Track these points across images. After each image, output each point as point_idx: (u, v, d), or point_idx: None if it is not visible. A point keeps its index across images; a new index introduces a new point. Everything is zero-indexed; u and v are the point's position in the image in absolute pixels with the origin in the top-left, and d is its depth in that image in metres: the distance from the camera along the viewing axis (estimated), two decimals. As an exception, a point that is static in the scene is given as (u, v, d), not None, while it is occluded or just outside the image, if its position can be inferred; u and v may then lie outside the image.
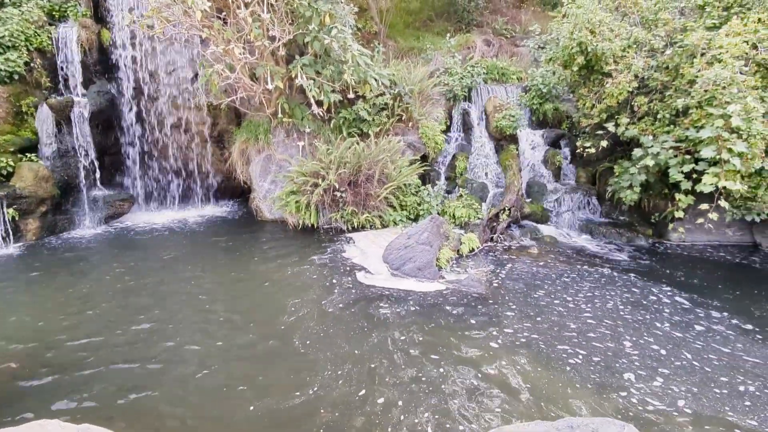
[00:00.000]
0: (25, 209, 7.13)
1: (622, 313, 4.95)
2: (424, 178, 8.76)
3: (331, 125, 8.51)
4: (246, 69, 7.63)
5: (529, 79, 9.37)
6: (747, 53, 5.75)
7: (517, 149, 8.88)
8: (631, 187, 6.76)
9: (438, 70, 9.75)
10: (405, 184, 8.16)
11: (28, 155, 7.50)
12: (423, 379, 3.72)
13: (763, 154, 5.49)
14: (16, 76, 7.47)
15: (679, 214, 6.24)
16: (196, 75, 8.75)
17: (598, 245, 7.22)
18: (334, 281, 5.77)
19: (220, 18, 7.31)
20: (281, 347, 4.22)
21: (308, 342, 4.28)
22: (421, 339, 4.37)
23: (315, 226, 7.90)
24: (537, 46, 10.01)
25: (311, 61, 7.59)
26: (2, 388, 3.59)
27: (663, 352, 4.18)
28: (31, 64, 7.69)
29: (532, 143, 8.88)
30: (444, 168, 9.24)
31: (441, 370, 3.85)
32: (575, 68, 7.36)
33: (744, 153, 5.43)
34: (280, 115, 8.09)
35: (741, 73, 5.62)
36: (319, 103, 7.79)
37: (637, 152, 6.60)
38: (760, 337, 4.44)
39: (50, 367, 3.87)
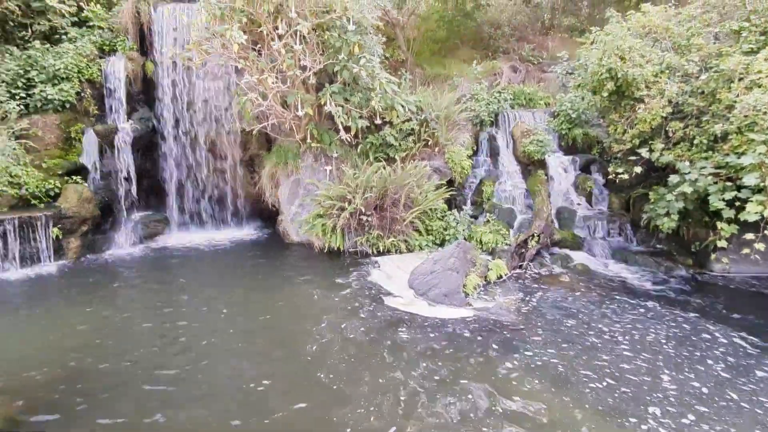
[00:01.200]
0: (68, 228, 7.51)
1: (664, 347, 4.67)
2: (450, 203, 8.71)
3: (358, 150, 8.67)
4: (278, 97, 7.93)
5: (557, 104, 9.31)
6: (789, 78, 5.54)
7: (545, 174, 8.74)
8: (668, 214, 6.48)
9: (464, 96, 9.84)
10: (431, 209, 8.13)
11: (74, 177, 7.95)
12: (451, 410, 3.58)
13: (813, 182, 5.18)
14: (67, 105, 8.03)
15: (722, 243, 5.92)
16: (230, 103, 9.16)
17: (635, 274, 6.90)
18: (359, 306, 5.73)
19: (254, 50, 7.69)
20: (305, 379, 4.11)
21: (332, 375, 4.15)
22: (448, 368, 4.23)
23: (341, 249, 7.94)
24: (565, 72, 9.99)
25: (340, 89, 7.83)
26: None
27: (704, 390, 3.90)
28: (82, 94, 8.27)
29: (561, 168, 8.73)
30: (470, 193, 9.17)
31: (470, 402, 3.70)
32: (605, 94, 7.26)
33: (791, 180, 5.14)
34: (309, 141, 8.31)
35: (784, 97, 5.39)
36: (347, 129, 7.98)
37: (673, 178, 6.37)
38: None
39: (81, 389, 3.96)
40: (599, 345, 4.70)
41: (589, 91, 7.83)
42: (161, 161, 9.31)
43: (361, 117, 8.02)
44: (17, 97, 7.70)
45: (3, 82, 7.68)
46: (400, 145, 8.58)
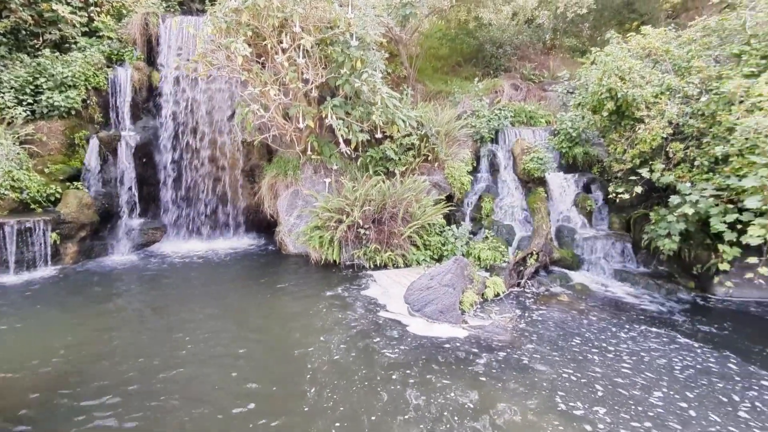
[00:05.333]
0: (66, 234, 7.51)
1: (661, 369, 4.53)
2: (449, 219, 8.66)
3: (358, 163, 8.69)
4: (280, 109, 8.01)
5: (557, 122, 9.33)
6: (790, 101, 5.52)
7: (545, 192, 8.69)
8: (669, 235, 6.41)
9: (465, 112, 9.89)
10: (429, 224, 8.08)
11: (75, 183, 8.00)
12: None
13: (815, 206, 5.11)
14: (73, 112, 8.14)
15: (725, 266, 5.82)
16: (233, 113, 9.26)
17: (635, 296, 6.77)
18: (352, 321, 5.63)
19: (258, 62, 7.80)
20: (295, 399, 3.94)
21: (317, 391, 4.03)
22: (439, 387, 4.12)
23: (337, 262, 7.88)
24: (566, 91, 10.04)
25: (341, 103, 7.89)
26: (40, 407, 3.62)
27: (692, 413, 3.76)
28: (87, 101, 8.39)
29: (561, 187, 8.68)
30: (470, 209, 9.13)
31: (459, 423, 3.58)
32: (605, 113, 7.27)
33: (794, 204, 5.07)
34: (309, 152, 8.34)
35: (784, 121, 5.36)
36: (348, 142, 8.01)
37: (674, 199, 6.31)
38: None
39: (71, 395, 3.88)
40: (599, 371, 4.56)
41: (590, 111, 7.84)
42: (162, 169, 9.36)
43: (361, 130, 8.05)
44: (24, 103, 7.82)
45: (12, 88, 7.81)
46: (399, 159, 8.59)
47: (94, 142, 8.30)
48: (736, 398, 4.08)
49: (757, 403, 3.99)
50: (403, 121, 8.15)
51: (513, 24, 12.22)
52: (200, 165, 9.48)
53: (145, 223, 8.85)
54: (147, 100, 9.28)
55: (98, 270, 7.49)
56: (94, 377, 4.16)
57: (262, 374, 4.34)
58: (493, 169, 9.60)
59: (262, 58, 7.90)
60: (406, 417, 3.67)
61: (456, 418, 3.68)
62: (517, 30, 12.27)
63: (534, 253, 7.37)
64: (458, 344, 5.06)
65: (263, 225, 10.14)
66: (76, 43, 8.72)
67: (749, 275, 5.63)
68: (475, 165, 9.58)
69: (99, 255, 8.09)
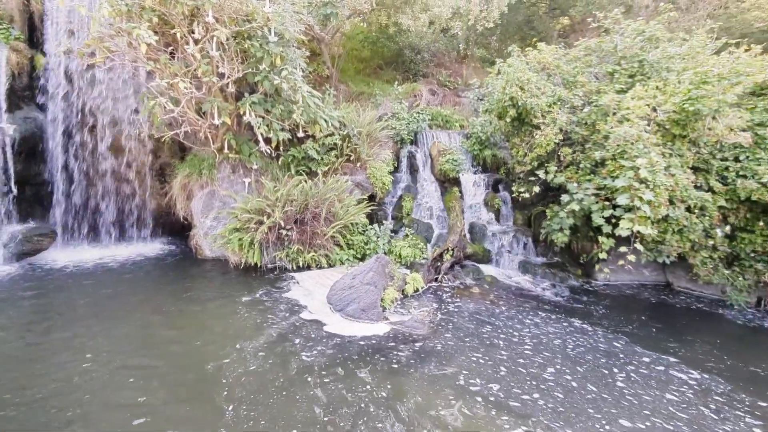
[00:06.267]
0: None
1: (556, 347, 5.18)
2: (372, 218, 8.88)
3: (279, 163, 8.51)
4: (192, 103, 7.53)
5: (470, 126, 10.06)
6: (649, 114, 6.62)
7: (460, 191, 9.33)
8: (561, 229, 7.29)
9: (386, 114, 10.21)
10: (352, 223, 8.21)
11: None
12: (359, 425, 3.60)
13: (668, 203, 6.20)
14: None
15: (603, 255, 6.79)
16: (138, 107, 8.47)
17: (535, 284, 7.60)
18: (273, 326, 5.50)
19: (166, 52, 7.24)
20: (211, 421, 3.69)
21: (233, 402, 3.88)
22: (358, 383, 4.25)
23: (258, 265, 7.64)
24: (476, 97, 10.86)
25: (260, 100, 7.66)
26: None
27: (574, 384, 4.40)
28: (-53, 86, 7.07)
29: (473, 186, 9.39)
30: (391, 208, 9.45)
31: (376, 414, 3.75)
32: (508, 119, 8.04)
33: (652, 201, 6.10)
34: (226, 151, 7.96)
35: (645, 131, 6.43)
36: (268, 141, 7.80)
37: (564, 198, 7.20)
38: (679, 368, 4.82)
39: None
40: (505, 354, 5.05)
41: (496, 117, 8.59)
42: (50, 166, 8.24)
43: (282, 129, 7.90)
44: None
45: None
46: (322, 159, 8.59)
47: (-44, 135, 7.03)
48: (616, 371, 4.76)
49: (633, 375, 4.68)
50: (326, 120, 8.16)
51: (430, 32, 12.87)
52: (98, 162, 8.51)
53: (29, 228, 7.71)
54: (29, 88, 8.09)
55: (-35, 285, 6.37)
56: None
57: (172, 395, 4.00)
58: (413, 169, 10.04)
59: (171, 48, 7.34)
60: (326, 420, 3.70)
61: (372, 409, 3.84)
62: (433, 38, 12.95)
63: (450, 249, 7.88)
64: (377, 340, 5.24)
65: (176, 228, 9.45)
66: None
67: (621, 262, 6.65)
68: (396, 165, 9.93)
69: (-34, 267, 6.88)
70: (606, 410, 4.02)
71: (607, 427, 3.78)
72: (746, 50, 7.47)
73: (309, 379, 4.31)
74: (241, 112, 7.62)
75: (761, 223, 6.38)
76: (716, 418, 3.99)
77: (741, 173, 6.29)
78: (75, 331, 5.11)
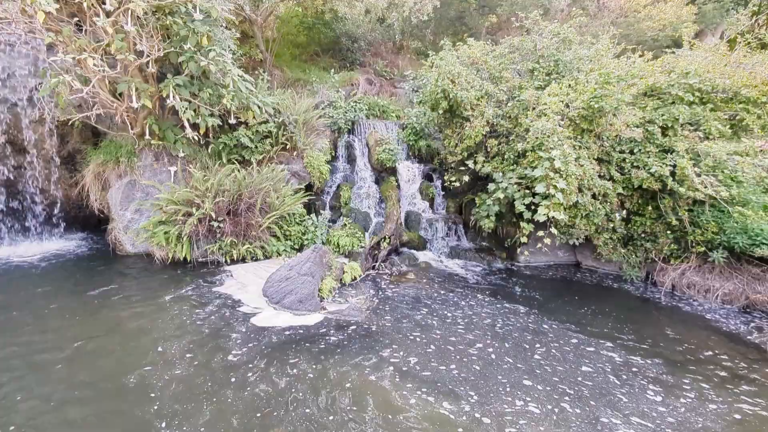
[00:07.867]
0: None
1: (486, 325, 5.61)
2: (310, 208, 8.81)
3: (209, 150, 8.08)
4: (105, 83, 6.86)
5: (405, 117, 10.30)
6: (562, 110, 7.29)
7: (396, 181, 9.57)
8: (488, 216, 7.81)
9: (323, 102, 10.09)
10: (289, 214, 8.09)
11: None
12: (300, 417, 3.66)
13: (577, 191, 6.92)
14: None
15: (524, 239, 7.42)
16: (38, 85, 7.51)
17: (466, 268, 8.10)
18: (202, 324, 5.26)
19: (71, 23, 6.48)
20: (122, 420, 3.49)
21: (160, 410, 3.62)
22: (295, 374, 4.29)
23: (188, 259, 7.27)
24: (412, 89, 11.12)
25: (186, 82, 7.17)
26: None
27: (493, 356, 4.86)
28: None
29: (409, 176, 9.68)
30: (329, 198, 9.43)
31: (312, 400, 3.84)
32: (440, 111, 8.37)
33: (564, 189, 6.77)
34: (147, 137, 7.38)
35: (559, 125, 7.08)
36: (195, 127, 7.37)
37: (491, 186, 7.71)
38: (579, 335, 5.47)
39: None
40: (439, 335, 5.34)
41: (430, 108, 8.89)
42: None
43: (212, 115, 7.49)
44: None
45: None
46: (256, 147, 8.31)
47: None
48: (537, 345, 5.21)
49: (552, 350, 5.12)
50: (259, 107, 7.86)
51: (366, 21, 12.84)
52: (-11, 148, 7.45)
53: None
54: None
55: None
56: None
57: (88, 422, 3.49)
58: (351, 158, 10.08)
59: (77, 19, 6.59)
60: (259, 415, 3.64)
61: (309, 395, 3.92)
62: (370, 27, 12.95)
63: (387, 237, 8.10)
64: (315, 330, 5.29)
65: (91, 222, 8.64)
66: None
67: (539, 245, 7.34)
68: (333, 154, 9.90)
69: None
70: (515, 376, 4.47)
71: (508, 388, 4.22)
72: (640, 56, 8.49)
73: (243, 377, 4.20)
74: (164, 95, 7.09)
75: (650, 208, 7.38)
76: (617, 383, 4.54)
77: (635, 164, 7.19)
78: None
